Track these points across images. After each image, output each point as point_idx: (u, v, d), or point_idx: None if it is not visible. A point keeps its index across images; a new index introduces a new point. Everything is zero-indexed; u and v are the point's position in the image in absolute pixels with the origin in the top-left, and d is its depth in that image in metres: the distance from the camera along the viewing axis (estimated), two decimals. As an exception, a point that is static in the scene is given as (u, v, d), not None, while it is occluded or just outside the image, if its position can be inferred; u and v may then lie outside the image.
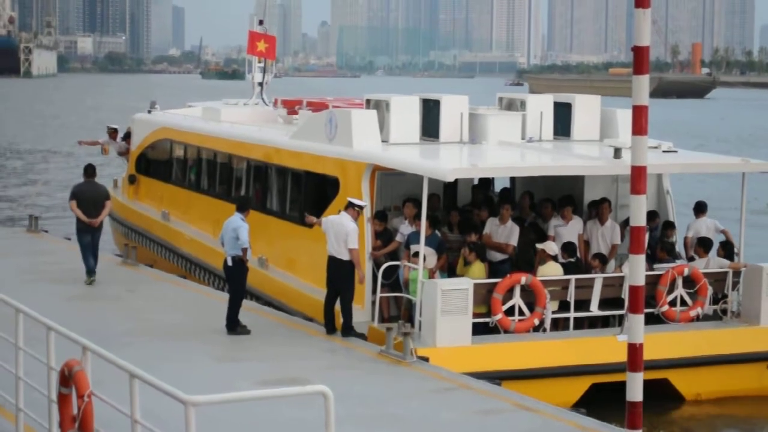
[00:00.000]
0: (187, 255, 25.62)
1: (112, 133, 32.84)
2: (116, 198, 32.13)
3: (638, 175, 10.68)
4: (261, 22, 30.30)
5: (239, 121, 26.83)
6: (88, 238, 21.45)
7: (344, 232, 17.20)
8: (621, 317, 17.96)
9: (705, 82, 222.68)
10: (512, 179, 22.26)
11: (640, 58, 10.49)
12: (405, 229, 18.54)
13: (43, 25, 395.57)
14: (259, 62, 30.44)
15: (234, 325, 17.64)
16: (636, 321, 10.78)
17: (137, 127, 31.41)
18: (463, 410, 13.78)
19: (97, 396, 9.88)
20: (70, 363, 10.09)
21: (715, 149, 56.76)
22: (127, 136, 32.03)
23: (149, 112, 31.78)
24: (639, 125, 10.60)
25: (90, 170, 21.86)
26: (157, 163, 29.79)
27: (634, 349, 10.67)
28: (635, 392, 10.72)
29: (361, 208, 17.52)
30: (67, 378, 10.11)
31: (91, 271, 21.52)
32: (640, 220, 10.84)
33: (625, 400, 10.86)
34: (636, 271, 10.82)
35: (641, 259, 10.82)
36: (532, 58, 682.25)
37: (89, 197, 21.41)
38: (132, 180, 30.90)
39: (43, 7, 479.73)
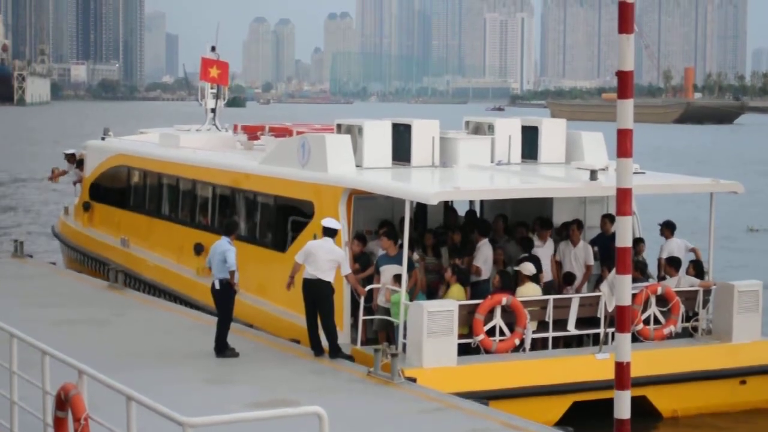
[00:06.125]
0: (151, 281, 25.63)
1: (71, 158, 32.65)
2: (69, 225, 32.10)
3: (624, 197, 10.83)
4: (213, 49, 30.50)
5: (198, 147, 26.99)
6: None
7: (335, 258, 17.44)
8: (596, 336, 18.34)
9: (733, 107, 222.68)
10: (481, 202, 22.63)
11: (624, 83, 10.65)
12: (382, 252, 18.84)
13: (36, 53, 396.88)
14: (212, 88, 30.63)
15: (223, 348, 17.81)
16: (623, 340, 10.92)
17: (91, 153, 31.24)
18: (453, 430, 13.91)
19: (94, 419, 10.01)
20: (67, 387, 10.23)
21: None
22: (81, 164, 31.82)
23: (103, 138, 31.71)
24: (624, 148, 10.74)
25: None
26: (114, 190, 29.60)
27: (621, 368, 10.81)
28: (623, 410, 10.85)
29: (335, 231, 17.70)
30: (64, 402, 10.24)
31: None
32: (626, 241, 10.98)
33: (614, 417, 11.00)
34: (623, 291, 10.96)
35: (627, 279, 10.96)
36: (525, 84, 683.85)
37: None
38: (86, 207, 30.74)
39: (37, 35, 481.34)
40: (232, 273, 17.75)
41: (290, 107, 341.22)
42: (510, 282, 18.45)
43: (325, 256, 17.38)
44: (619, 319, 10.99)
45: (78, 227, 31.29)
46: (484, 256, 19.20)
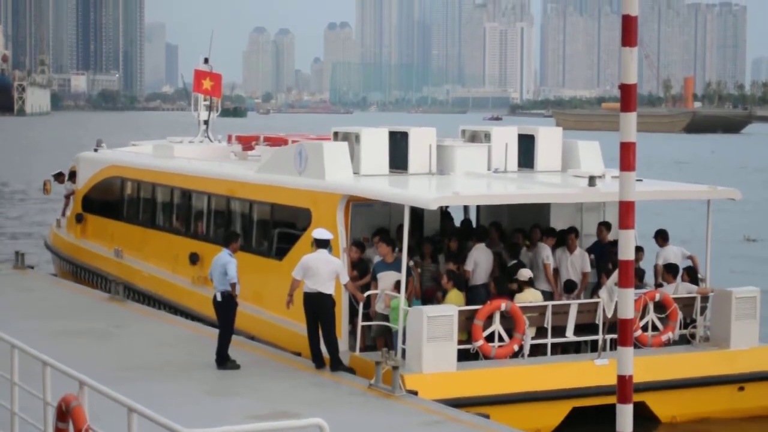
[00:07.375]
0: (146, 292, 25.60)
1: (59, 177, 32.56)
2: (61, 236, 31.98)
3: (626, 210, 10.77)
4: (206, 60, 30.51)
5: (193, 158, 27.03)
6: None
7: (334, 269, 17.47)
8: (594, 342, 18.38)
9: (740, 116, 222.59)
10: (477, 210, 22.74)
11: (627, 96, 10.60)
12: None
13: (36, 63, 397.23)
14: (205, 100, 30.62)
15: (224, 360, 17.82)
16: (625, 354, 10.87)
17: (83, 165, 31.20)
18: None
19: (95, 431, 10.00)
20: (68, 398, 10.23)
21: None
22: (72, 176, 31.75)
23: (95, 150, 31.67)
24: (627, 161, 10.69)
25: None
26: (108, 201, 29.52)
27: (624, 381, 10.75)
28: (625, 424, 10.81)
29: (328, 241, 17.71)
30: (65, 413, 10.23)
31: None
32: (628, 254, 10.92)
33: (616, 430, 10.96)
34: (625, 304, 10.92)
35: (630, 292, 10.91)
36: (525, 93, 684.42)
37: None
38: (79, 219, 30.66)
39: (37, 45, 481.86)
40: (233, 285, 17.79)
41: (290, 117, 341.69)
42: (505, 288, 18.48)
43: (325, 268, 17.40)
44: (622, 332, 10.94)
45: (71, 239, 31.23)
46: (473, 259, 19.21)
